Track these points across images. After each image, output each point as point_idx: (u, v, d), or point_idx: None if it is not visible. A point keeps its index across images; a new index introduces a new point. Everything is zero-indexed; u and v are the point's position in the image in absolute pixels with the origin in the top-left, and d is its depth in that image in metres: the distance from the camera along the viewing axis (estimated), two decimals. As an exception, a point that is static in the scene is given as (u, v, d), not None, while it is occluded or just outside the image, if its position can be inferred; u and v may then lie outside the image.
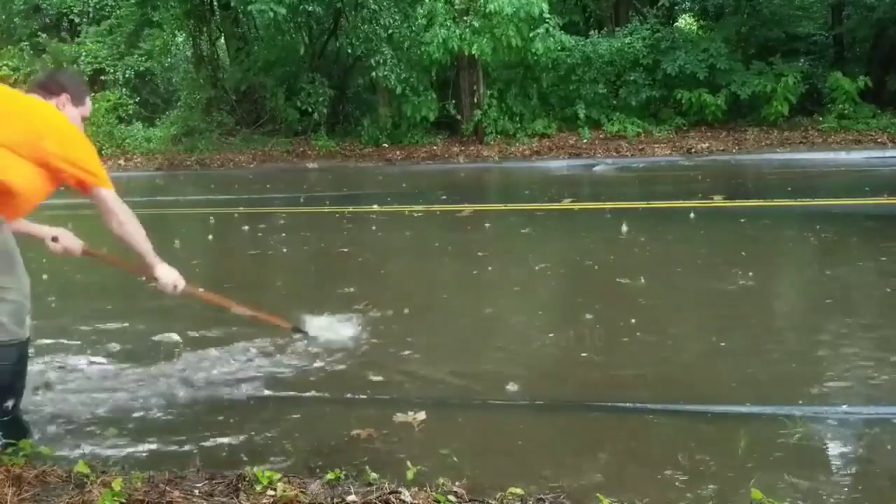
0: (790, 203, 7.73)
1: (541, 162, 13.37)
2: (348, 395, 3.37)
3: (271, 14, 13.00)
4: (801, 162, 11.51)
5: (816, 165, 11.11)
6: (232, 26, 17.37)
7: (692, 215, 7.18)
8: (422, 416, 3.06)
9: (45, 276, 5.09)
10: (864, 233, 6.48)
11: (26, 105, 2.73)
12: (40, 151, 2.60)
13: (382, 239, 6.88)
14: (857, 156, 11.65)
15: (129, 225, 2.77)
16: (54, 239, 3.03)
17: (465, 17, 13.90)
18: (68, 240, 3.05)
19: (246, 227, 7.97)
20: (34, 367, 3.66)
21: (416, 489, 2.38)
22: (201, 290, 3.39)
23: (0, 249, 2.63)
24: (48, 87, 2.84)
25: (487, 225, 7.64)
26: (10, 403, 2.78)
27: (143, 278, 3.15)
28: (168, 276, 2.95)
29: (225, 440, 2.94)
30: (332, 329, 3.98)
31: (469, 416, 3.16)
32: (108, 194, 2.74)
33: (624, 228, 6.65)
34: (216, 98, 17.10)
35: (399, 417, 3.07)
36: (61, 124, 2.73)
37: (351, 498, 2.32)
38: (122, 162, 16.13)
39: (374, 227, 7.69)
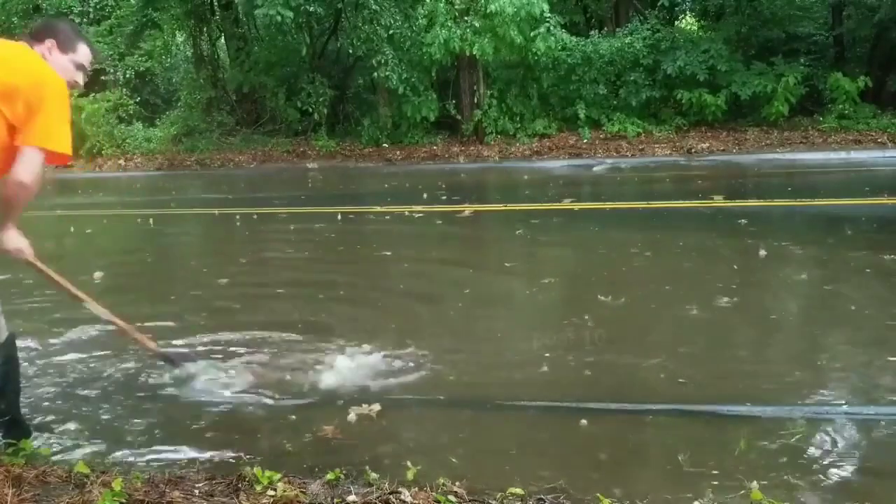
0: (790, 203, 7.72)
1: (541, 162, 13.36)
2: (350, 397, 3.36)
3: (279, 18, 12.97)
4: (801, 162, 11.51)
5: (816, 165, 11.11)
6: (232, 26, 17.37)
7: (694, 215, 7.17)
8: (376, 407, 3.09)
9: None
10: (865, 232, 6.47)
11: (12, 52, 2.59)
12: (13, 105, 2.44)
13: (382, 239, 6.87)
14: (857, 156, 11.65)
15: (28, 191, 2.51)
16: None
17: (465, 18, 13.90)
18: None
19: (245, 228, 7.96)
20: (31, 367, 3.69)
21: (416, 489, 2.38)
22: (53, 273, 3.00)
23: None
24: (35, 35, 2.73)
25: (487, 225, 7.64)
26: (4, 405, 2.77)
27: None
28: (12, 239, 2.67)
29: (225, 440, 2.94)
30: (353, 372, 3.63)
31: (468, 417, 3.16)
32: (39, 156, 2.50)
33: (764, 253, 5.66)
34: (216, 98, 17.12)
35: (355, 410, 3.08)
36: (44, 77, 2.55)
37: (351, 498, 2.32)
38: (122, 162, 16.15)
39: (373, 228, 7.68)
